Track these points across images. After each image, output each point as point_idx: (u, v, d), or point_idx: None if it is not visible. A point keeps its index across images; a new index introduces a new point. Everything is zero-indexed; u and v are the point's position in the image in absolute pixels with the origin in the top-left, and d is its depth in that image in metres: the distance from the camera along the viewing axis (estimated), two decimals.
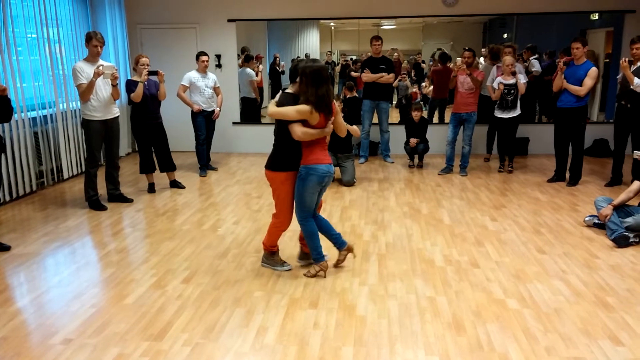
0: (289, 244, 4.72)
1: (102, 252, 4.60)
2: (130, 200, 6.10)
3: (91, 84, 5.47)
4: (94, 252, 4.59)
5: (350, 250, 4.15)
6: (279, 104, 3.72)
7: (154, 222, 5.39)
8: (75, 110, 7.29)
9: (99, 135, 5.71)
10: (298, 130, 3.68)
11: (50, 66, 6.90)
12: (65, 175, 7.10)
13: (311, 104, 3.63)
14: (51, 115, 6.89)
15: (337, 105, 3.93)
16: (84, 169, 7.37)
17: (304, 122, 3.71)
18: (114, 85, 5.69)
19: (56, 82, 6.98)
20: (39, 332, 3.28)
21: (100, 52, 5.63)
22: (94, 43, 5.55)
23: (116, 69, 5.64)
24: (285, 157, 3.87)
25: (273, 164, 3.91)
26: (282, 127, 3.81)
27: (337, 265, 4.17)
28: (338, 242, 4.10)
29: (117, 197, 6.07)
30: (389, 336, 3.20)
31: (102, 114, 5.67)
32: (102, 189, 6.16)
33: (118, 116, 5.91)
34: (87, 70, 5.53)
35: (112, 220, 5.48)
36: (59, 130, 6.90)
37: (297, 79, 3.73)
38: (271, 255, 4.21)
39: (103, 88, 5.64)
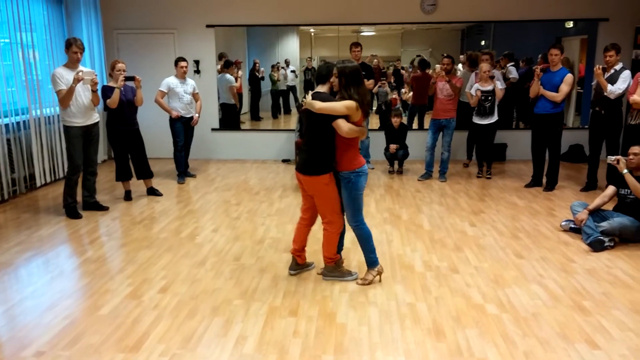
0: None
1: (77, 261, 4.51)
2: (106, 208, 6.00)
3: (71, 90, 5.41)
4: (68, 262, 4.50)
5: (380, 271, 4.05)
6: (323, 101, 3.66)
7: (131, 231, 5.31)
8: (49, 117, 7.17)
9: (79, 142, 5.64)
10: (345, 126, 3.64)
11: (23, 71, 6.78)
12: (39, 183, 6.96)
13: (356, 101, 3.63)
14: (24, 121, 6.75)
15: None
16: (57, 177, 7.32)
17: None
18: (94, 91, 5.63)
19: (29, 88, 6.85)
20: (11, 344, 3.19)
21: (80, 59, 5.59)
22: (73, 50, 5.50)
23: (96, 75, 5.58)
24: (325, 158, 3.78)
25: (314, 169, 3.79)
26: (317, 129, 3.76)
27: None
28: (375, 255, 4.04)
29: (92, 204, 5.97)
30: (369, 343, 3.18)
31: (82, 120, 5.61)
32: (77, 196, 6.06)
33: (98, 122, 5.85)
34: (66, 77, 5.46)
35: (87, 228, 5.38)
36: (32, 137, 6.77)
37: (331, 79, 3.75)
38: (337, 266, 4.10)
39: (82, 94, 5.58)
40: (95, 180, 5.99)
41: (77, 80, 5.35)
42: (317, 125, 3.75)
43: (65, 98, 5.44)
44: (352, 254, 4.53)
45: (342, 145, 3.76)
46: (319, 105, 3.64)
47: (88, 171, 5.87)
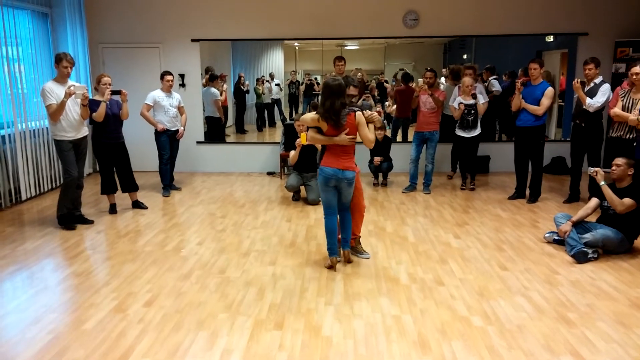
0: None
1: (61, 275, 4.47)
2: (91, 222, 5.97)
3: (62, 104, 5.43)
4: (52, 276, 4.46)
5: (332, 263, 4.54)
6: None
7: (116, 244, 5.28)
8: (34, 130, 7.12)
9: (71, 154, 5.66)
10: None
11: (9, 85, 6.73)
12: (24, 197, 6.90)
13: (319, 113, 4.24)
14: (9, 135, 6.71)
15: (363, 116, 4.34)
16: (43, 190, 7.27)
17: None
18: (84, 105, 5.66)
19: (15, 102, 6.81)
20: None
21: (70, 73, 5.63)
22: (64, 64, 5.54)
23: (87, 89, 5.59)
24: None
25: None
26: None
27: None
28: (342, 243, 4.67)
29: (77, 218, 5.93)
30: (355, 356, 3.18)
31: (73, 134, 5.65)
32: (53, 207, 6.05)
33: (87, 135, 5.89)
34: (56, 91, 5.48)
35: (71, 242, 5.34)
36: (17, 150, 6.72)
37: (349, 92, 4.54)
38: (357, 245, 4.93)
39: (72, 108, 5.62)
40: (81, 194, 5.96)
41: (68, 94, 5.38)
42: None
43: (56, 112, 5.45)
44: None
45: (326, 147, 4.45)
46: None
47: (76, 185, 5.85)
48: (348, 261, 4.67)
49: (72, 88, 5.40)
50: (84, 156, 5.86)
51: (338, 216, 4.57)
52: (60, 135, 5.58)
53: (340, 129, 4.25)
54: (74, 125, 5.63)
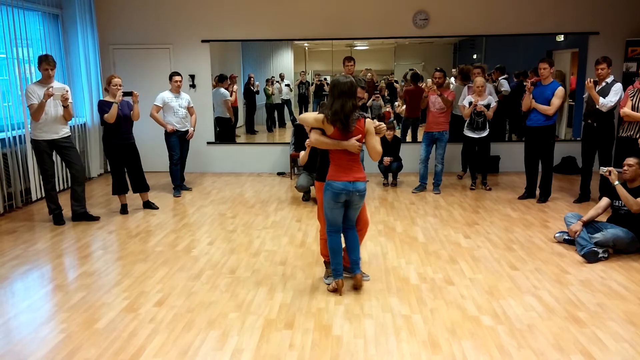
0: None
1: (73, 275, 4.51)
2: (97, 218, 6.07)
3: (41, 105, 5.60)
4: (64, 276, 4.50)
5: (338, 286, 4.04)
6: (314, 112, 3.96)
7: (127, 244, 5.32)
8: None
9: (45, 154, 5.84)
10: (312, 135, 3.88)
11: (19, 87, 6.80)
12: (34, 197, 6.96)
13: (324, 114, 3.78)
14: (20, 136, 6.78)
15: (372, 125, 3.88)
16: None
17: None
18: (66, 107, 5.78)
19: (25, 103, 6.86)
20: (7, 358, 3.18)
21: (51, 75, 5.77)
22: (44, 66, 5.70)
23: (67, 91, 5.72)
24: (320, 167, 4.10)
25: (317, 175, 4.17)
26: None
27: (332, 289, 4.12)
28: (352, 266, 4.12)
29: (82, 215, 6.05)
30: (365, 356, 3.19)
31: (48, 134, 5.79)
32: (66, 206, 6.23)
33: (69, 136, 6.00)
34: (38, 92, 5.66)
35: (83, 242, 5.38)
36: (27, 151, 6.79)
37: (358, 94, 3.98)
38: (326, 265, 4.38)
39: (53, 108, 5.77)
40: (83, 190, 6.09)
41: (47, 95, 5.53)
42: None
43: (36, 112, 5.63)
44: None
45: (333, 157, 3.93)
46: (300, 116, 4.00)
47: (74, 182, 6.02)
48: (356, 287, 4.14)
49: (50, 89, 5.56)
50: (74, 155, 5.98)
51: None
52: (36, 135, 5.77)
53: (348, 135, 3.80)
54: (50, 124, 5.78)
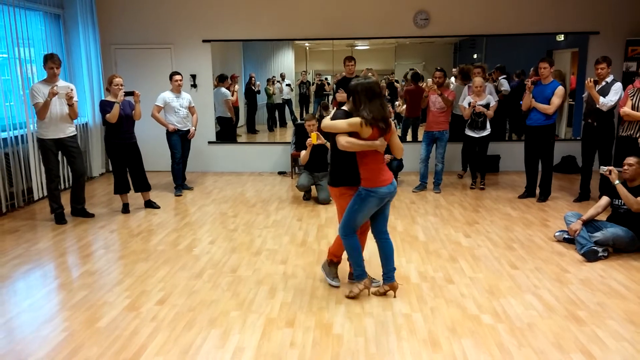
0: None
1: (75, 274, 4.53)
2: (92, 215, 6.21)
3: (46, 103, 5.63)
4: (66, 275, 4.52)
5: (366, 286, 4.00)
6: (333, 117, 3.76)
7: (128, 243, 5.33)
8: None
9: (51, 153, 5.87)
10: (342, 140, 3.67)
11: (21, 86, 6.82)
12: (36, 197, 6.98)
13: (363, 118, 3.62)
14: (22, 136, 6.79)
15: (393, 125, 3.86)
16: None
17: (354, 135, 3.70)
18: (70, 105, 5.81)
19: (27, 103, 6.89)
20: (9, 357, 3.20)
21: (56, 74, 5.80)
22: (49, 65, 5.74)
23: (72, 89, 5.73)
24: (337, 172, 3.92)
25: (330, 179, 3.99)
26: (332, 144, 3.89)
27: (373, 293, 4.06)
28: (388, 274, 4.00)
29: (80, 211, 6.19)
30: (365, 355, 3.20)
31: (53, 133, 5.82)
32: (67, 206, 6.27)
33: (75, 135, 6.04)
34: (43, 90, 5.70)
35: (85, 241, 5.40)
36: (29, 151, 6.81)
37: (350, 98, 3.77)
38: (331, 266, 4.25)
39: (58, 107, 5.80)
40: (83, 189, 6.17)
41: (52, 94, 5.56)
42: (331, 140, 3.89)
43: (41, 111, 5.67)
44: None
45: (359, 162, 3.79)
46: (324, 123, 3.76)
47: (75, 182, 6.08)
48: (384, 293, 4.04)
49: (55, 88, 5.58)
50: (77, 155, 6.02)
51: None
52: (41, 134, 5.81)
53: (387, 134, 3.76)
54: (55, 123, 5.81)
